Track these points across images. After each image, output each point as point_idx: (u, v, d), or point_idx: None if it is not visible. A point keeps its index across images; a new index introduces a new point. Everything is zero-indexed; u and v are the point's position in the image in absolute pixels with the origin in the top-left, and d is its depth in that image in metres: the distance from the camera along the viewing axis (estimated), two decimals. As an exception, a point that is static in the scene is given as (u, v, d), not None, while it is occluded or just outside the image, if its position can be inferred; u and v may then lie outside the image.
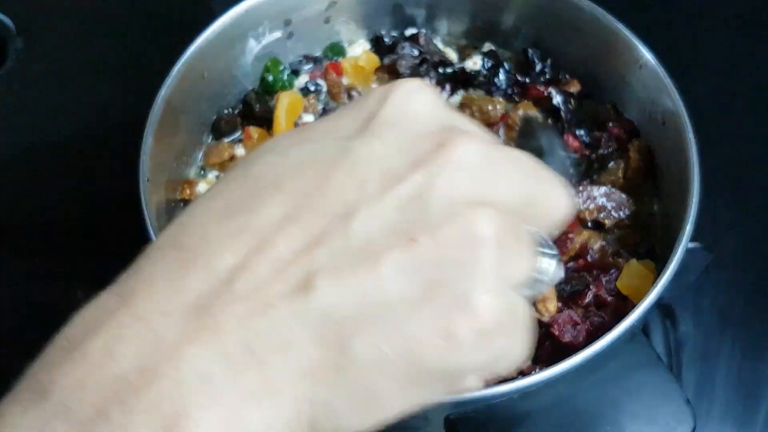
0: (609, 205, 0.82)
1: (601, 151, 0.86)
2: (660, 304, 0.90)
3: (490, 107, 0.89)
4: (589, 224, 0.83)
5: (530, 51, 0.93)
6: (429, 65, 0.94)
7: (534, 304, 0.70)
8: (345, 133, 0.39)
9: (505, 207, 0.37)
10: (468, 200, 0.36)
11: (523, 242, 0.38)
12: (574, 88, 0.90)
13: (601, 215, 0.82)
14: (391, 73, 0.95)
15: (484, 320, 0.35)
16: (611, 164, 0.86)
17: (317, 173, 0.37)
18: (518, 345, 0.37)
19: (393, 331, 0.34)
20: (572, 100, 0.89)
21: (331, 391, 0.34)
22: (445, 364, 0.35)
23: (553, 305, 0.70)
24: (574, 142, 0.87)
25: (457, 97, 0.94)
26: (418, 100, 0.40)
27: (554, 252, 0.40)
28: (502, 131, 0.90)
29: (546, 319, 0.70)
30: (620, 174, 0.85)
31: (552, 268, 0.40)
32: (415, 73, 0.93)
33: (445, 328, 0.34)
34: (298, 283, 0.34)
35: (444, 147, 0.37)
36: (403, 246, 0.34)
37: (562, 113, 0.88)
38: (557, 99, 0.89)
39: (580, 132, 0.87)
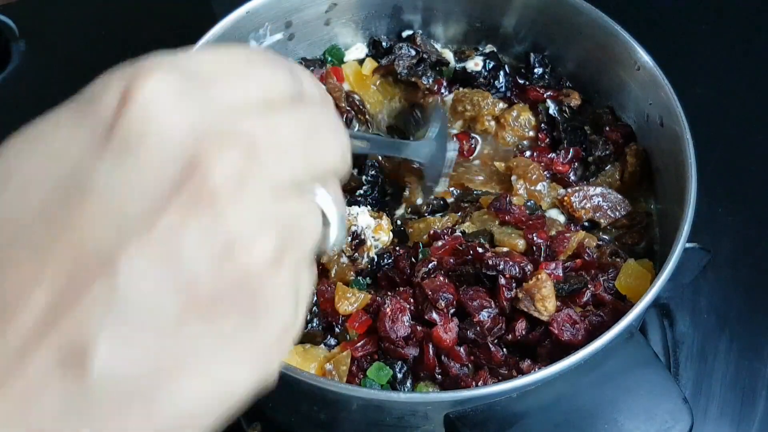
0: (605, 205, 0.83)
1: (597, 154, 0.87)
2: (658, 304, 0.91)
3: (481, 100, 0.90)
4: (586, 223, 0.83)
5: (532, 56, 0.93)
6: (426, 65, 0.95)
7: (533, 303, 0.71)
8: (82, 154, 0.32)
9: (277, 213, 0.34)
10: (244, 222, 0.32)
11: (299, 250, 0.35)
12: (575, 101, 0.91)
13: (597, 215, 0.83)
14: (389, 73, 0.96)
15: (283, 326, 0.34)
16: (608, 167, 0.87)
17: (63, 215, 0.31)
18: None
19: (200, 376, 0.32)
20: (567, 110, 0.89)
21: None
22: (256, 381, 0.35)
23: (552, 304, 0.71)
24: (563, 167, 0.88)
25: (452, 96, 0.95)
26: (166, 104, 0.33)
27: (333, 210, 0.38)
28: (493, 126, 0.91)
29: (545, 317, 0.71)
30: (617, 177, 0.86)
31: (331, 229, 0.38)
32: (412, 72, 0.94)
33: (250, 355, 0.33)
34: (72, 350, 0.29)
35: (197, 170, 0.31)
36: (183, 289, 0.31)
37: (558, 123, 0.89)
38: (553, 109, 0.90)
39: (573, 146, 0.88)
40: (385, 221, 0.83)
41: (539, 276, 0.72)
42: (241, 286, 0.32)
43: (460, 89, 0.94)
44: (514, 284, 0.73)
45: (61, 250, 0.30)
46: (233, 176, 0.32)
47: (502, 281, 0.73)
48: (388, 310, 0.73)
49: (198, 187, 0.31)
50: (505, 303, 0.73)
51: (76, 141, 0.33)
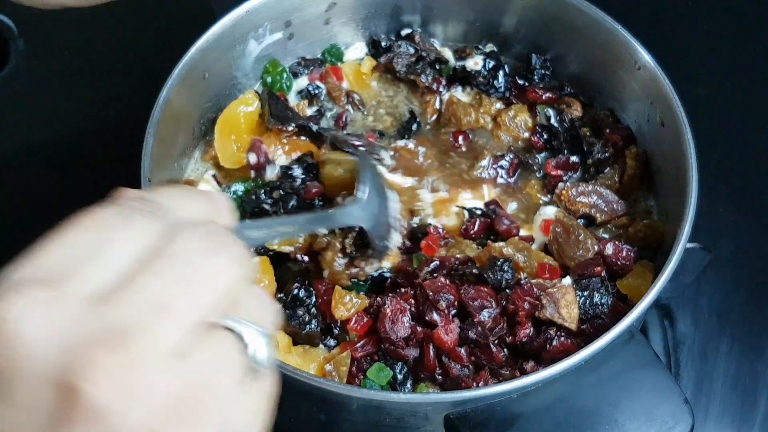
0: (600, 202, 0.83)
1: (597, 156, 0.86)
2: (659, 304, 0.91)
3: (468, 118, 0.90)
4: (581, 220, 0.83)
5: (534, 56, 0.93)
6: (425, 63, 0.95)
7: (558, 309, 0.71)
8: None
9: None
10: (133, 428, 0.32)
11: (210, 408, 0.35)
12: (576, 112, 0.91)
13: (592, 210, 0.83)
14: (388, 71, 0.96)
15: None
16: (607, 170, 0.87)
17: None
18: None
19: None
20: (567, 120, 0.89)
21: None
22: None
23: (576, 311, 0.71)
24: (554, 171, 0.88)
25: (452, 94, 0.94)
26: (31, 330, 0.32)
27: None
28: (490, 124, 0.91)
29: (572, 326, 0.71)
30: (615, 179, 0.86)
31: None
32: (411, 70, 0.93)
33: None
34: None
35: (72, 393, 0.31)
36: None
37: (559, 133, 0.89)
38: (554, 118, 0.90)
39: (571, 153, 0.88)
40: None
41: (562, 282, 0.72)
42: None
43: (466, 89, 0.94)
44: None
45: None
46: (111, 383, 0.31)
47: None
48: (388, 310, 0.72)
49: (77, 412, 0.31)
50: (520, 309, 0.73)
51: None
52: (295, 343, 0.74)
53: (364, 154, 0.82)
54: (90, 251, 0.35)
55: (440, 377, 0.72)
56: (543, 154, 0.90)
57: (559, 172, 0.87)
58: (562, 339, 0.70)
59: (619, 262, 0.77)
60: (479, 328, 0.71)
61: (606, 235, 0.83)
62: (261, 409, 0.38)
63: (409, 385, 0.72)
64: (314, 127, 0.86)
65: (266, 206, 0.81)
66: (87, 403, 0.31)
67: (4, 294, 0.33)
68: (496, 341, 0.72)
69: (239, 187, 0.85)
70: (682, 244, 0.68)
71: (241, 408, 0.36)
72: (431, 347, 0.71)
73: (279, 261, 0.79)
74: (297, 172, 0.83)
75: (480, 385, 0.69)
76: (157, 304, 0.34)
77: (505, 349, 0.72)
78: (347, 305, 0.74)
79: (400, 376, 0.72)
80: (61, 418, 0.31)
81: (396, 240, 0.80)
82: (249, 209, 0.81)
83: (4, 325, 0.32)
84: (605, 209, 0.83)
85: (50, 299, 0.33)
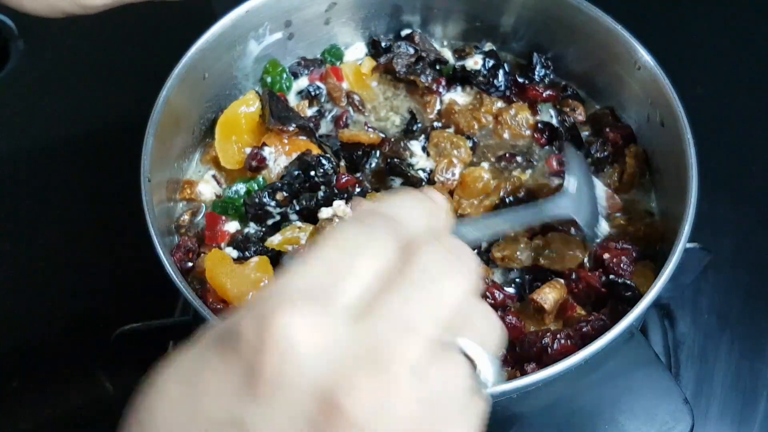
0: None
1: (597, 155, 0.86)
2: (658, 304, 0.91)
3: (467, 125, 0.90)
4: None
5: (535, 55, 0.93)
6: (425, 63, 0.95)
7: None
8: (231, 396, 0.36)
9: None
10: None
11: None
12: (581, 116, 0.91)
13: None
14: (387, 71, 0.96)
15: None
16: (607, 168, 0.87)
17: None
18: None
19: None
20: (567, 119, 0.89)
21: None
22: None
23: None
24: (556, 167, 0.88)
25: (451, 94, 0.94)
26: (297, 343, 0.35)
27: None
28: (491, 123, 0.91)
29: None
30: (615, 178, 0.86)
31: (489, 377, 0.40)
32: (411, 71, 0.93)
33: None
34: None
35: (332, 405, 0.34)
36: None
37: (561, 134, 0.89)
38: (555, 120, 0.90)
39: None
40: None
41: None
42: None
43: (465, 89, 0.94)
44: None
45: None
46: (369, 403, 0.34)
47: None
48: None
49: (336, 425, 0.34)
50: None
51: (225, 384, 0.36)
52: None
53: (569, 146, 0.83)
54: (344, 268, 0.38)
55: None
56: (546, 149, 0.90)
57: (560, 167, 0.87)
58: (563, 342, 0.70)
59: (618, 270, 0.77)
60: None
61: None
62: (476, 428, 0.40)
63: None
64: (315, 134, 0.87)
65: (269, 209, 0.81)
66: (346, 420, 0.34)
67: (280, 306, 0.36)
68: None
69: (241, 187, 0.85)
70: (682, 244, 0.68)
71: (461, 428, 0.38)
72: None
73: (279, 261, 0.79)
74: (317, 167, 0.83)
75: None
76: (402, 323, 0.36)
77: (504, 349, 0.72)
78: None
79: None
80: (319, 428, 0.34)
81: (604, 227, 0.80)
82: (252, 212, 0.81)
83: (281, 337, 0.35)
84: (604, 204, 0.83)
85: (319, 314, 0.36)
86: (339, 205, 0.80)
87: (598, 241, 0.79)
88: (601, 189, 0.82)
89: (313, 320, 0.36)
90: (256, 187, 0.84)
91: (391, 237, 0.39)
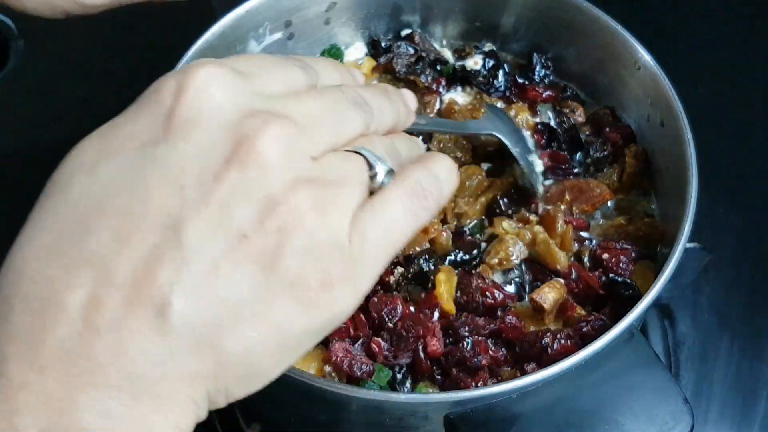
0: (579, 194, 0.84)
1: (597, 155, 0.86)
2: (658, 304, 0.91)
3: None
4: (564, 211, 0.83)
5: (535, 56, 0.93)
6: (425, 63, 0.95)
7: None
8: (146, 137, 0.38)
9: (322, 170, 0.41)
10: (283, 184, 0.38)
11: (342, 195, 0.41)
12: (580, 117, 0.91)
13: (573, 206, 0.83)
14: (387, 71, 0.96)
15: (328, 270, 0.39)
16: (607, 168, 0.87)
17: (134, 189, 0.37)
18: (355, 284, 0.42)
19: (257, 319, 0.37)
20: (567, 119, 0.89)
21: (218, 381, 0.38)
22: (311, 326, 0.39)
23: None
24: (547, 162, 0.88)
25: (452, 95, 0.94)
26: (216, 90, 0.39)
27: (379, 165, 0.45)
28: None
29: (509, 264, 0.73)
30: (615, 178, 0.86)
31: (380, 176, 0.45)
32: (411, 71, 0.93)
33: (302, 300, 0.38)
34: (155, 306, 0.35)
35: (246, 142, 0.38)
36: (237, 245, 0.37)
37: (559, 135, 0.89)
38: (553, 121, 0.90)
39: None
40: None
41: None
42: (282, 238, 0.37)
43: (465, 89, 0.94)
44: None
45: (136, 227, 0.36)
46: (277, 147, 0.38)
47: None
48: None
49: (244, 156, 0.37)
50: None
51: (140, 126, 0.39)
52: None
53: (492, 105, 0.89)
54: (261, 69, 0.43)
55: (439, 377, 0.72)
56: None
57: (552, 162, 0.87)
58: (563, 342, 0.70)
59: (618, 270, 0.77)
60: (458, 354, 0.71)
61: (596, 240, 0.82)
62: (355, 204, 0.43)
63: (408, 385, 0.72)
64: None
65: None
66: (255, 153, 0.38)
67: (202, 64, 0.40)
68: (493, 340, 0.72)
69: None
70: (682, 244, 0.68)
71: (349, 199, 0.42)
72: (420, 351, 0.71)
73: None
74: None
75: (480, 385, 0.69)
76: (315, 117, 0.42)
77: (504, 349, 0.72)
78: None
79: (399, 376, 0.71)
80: (229, 159, 0.37)
81: (538, 163, 0.85)
82: None
83: (193, 82, 0.39)
84: (583, 199, 0.83)
85: (234, 79, 0.40)
86: None
87: (538, 179, 0.83)
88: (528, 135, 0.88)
89: (231, 80, 0.40)
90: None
91: (308, 75, 0.46)
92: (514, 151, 0.81)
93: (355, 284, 0.41)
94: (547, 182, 0.87)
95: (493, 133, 0.81)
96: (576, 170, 0.87)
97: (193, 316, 0.36)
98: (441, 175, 0.47)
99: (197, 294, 0.36)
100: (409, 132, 0.56)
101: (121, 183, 0.37)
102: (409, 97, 0.55)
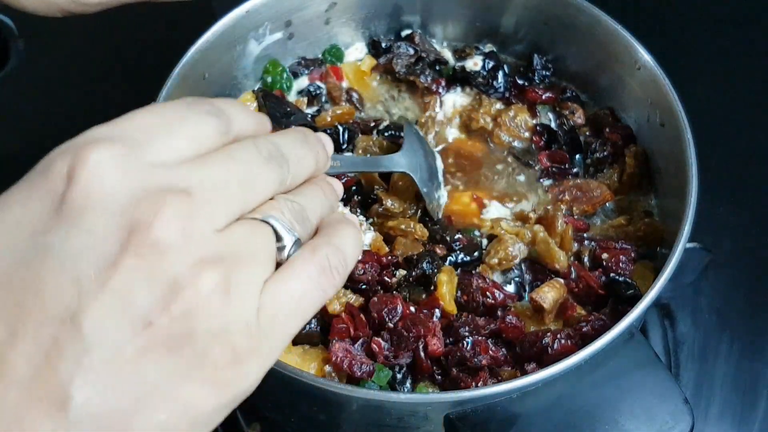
0: (579, 195, 0.84)
1: (597, 155, 0.86)
2: (658, 304, 0.91)
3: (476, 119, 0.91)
4: (564, 211, 0.83)
5: (536, 57, 0.93)
6: (424, 64, 0.95)
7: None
8: (38, 224, 0.37)
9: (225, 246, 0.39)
10: (186, 266, 0.37)
11: (249, 273, 0.40)
12: (580, 119, 0.91)
13: (573, 206, 0.84)
14: (387, 72, 0.96)
15: (236, 349, 0.38)
16: (607, 168, 0.87)
17: (27, 282, 0.35)
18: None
19: (167, 403, 0.36)
20: (567, 121, 0.89)
21: None
22: (221, 402, 0.39)
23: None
24: (546, 163, 0.88)
25: (452, 95, 0.94)
26: (107, 173, 0.37)
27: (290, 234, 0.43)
28: (490, 125, 0.91)
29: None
30: (615, 178, 0.86)
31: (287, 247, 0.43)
32: (411, 71, 0.93)
33: (211, 380, 0.38)
34: (56, 400, 0.34)
35: (140, 228, 0.36)
36: (141, 331, 0.35)
37: (559, 137, 0.89)
38: (554, 123, 0.90)
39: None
40: (363, 224, 0.82)
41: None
42: (188, 321, 0.36)
43: (465, 89, 0.94)
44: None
45: (31, 319, 0.35)
46: (174, 228, 0.37)
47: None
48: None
49: (141, 242, 0.36)
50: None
51: (30, 212, 0.37)
52: (294, 343, 0.74)
53: (409, 123, 0.89)
54: (160, 131, 0.40)
55: (439, 377, 0.72)
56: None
57: (550, 162, 0.87)
58: (563, 341, 0.70)
59: (617, 269, 0.77)
60: (458, 354, 0.71)
61: (590, 243, 0.82)
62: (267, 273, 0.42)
63: (408, 385, 0.72)
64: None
65: None
66: (152, 237, 0.36)
67: (87, 144, 0.38)
68: (493, 340, 0.72)
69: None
70: (682, 244, 0.68)
71: (257, 270, 0.41)
72: (420, 350, 0.71)
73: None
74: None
75: (480, 385, 0.69)
76: (220, 185, 0.40)
77: (504, 348, 0.72)
78: (341, 299, 0.74)
79: (399, 376, 0.71)
80: (125, 247, 0.36)
81: (443, 195, 0.86)
82: None
83: (84, 166, 0.37)
84: (583, 200, 0.83)
85: (126, 155, 0.38)
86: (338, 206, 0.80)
87: (436, 203, 0.84)
88: (439, 161, 0.88)
89: (119, 158, 0.38)
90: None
91: (219, 123, 0.43)
92: (423, 191, 0.81)
93: (263, 358, 0.40)
94: (547, 182, 0.87)
95: (406, 171, 0.80)
96: (575, 170, 0.87)
97: (99, 405, 0.35)
98: (347, 250, 0.46)
99: (102, 383, 0.35)
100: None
101: (13, 276, 0.36)
102: (326, 141, 0.53)
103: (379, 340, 0.71)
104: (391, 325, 0.72)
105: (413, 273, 0.76)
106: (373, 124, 0.90)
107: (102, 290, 0.35)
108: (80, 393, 0.34)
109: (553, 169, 0.87)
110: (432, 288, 0.76)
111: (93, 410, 0.35)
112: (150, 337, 0.36)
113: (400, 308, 0.73)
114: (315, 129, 0.87)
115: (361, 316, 0.73)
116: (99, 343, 0.35)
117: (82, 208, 0.36)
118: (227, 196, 0.40)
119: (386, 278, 0.76)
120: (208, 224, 0.38)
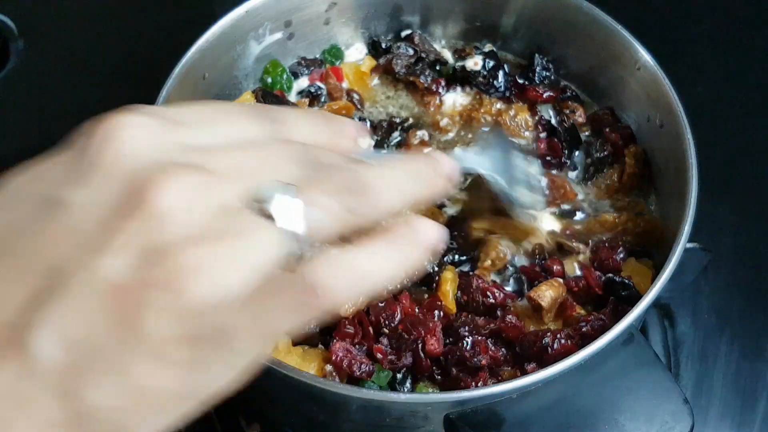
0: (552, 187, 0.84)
1: (597, 155, 0.86)
2: (658, 304, 0.91)
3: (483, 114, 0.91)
4: (558, 212, 0.84)
5: (537, 57, 0.93)
6: (424, 64, 0.95)
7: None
8: (57, 179, 0.38)
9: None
10: (174, 237, 0.36)
11: (243, 236, 0.38)
12: (580, 117, 0.91)
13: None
14: (387, 72, 0.96)
15: (200, 326, 0.36)
16: (606, 168, 0.87)
17: (25, 231, 0.37)
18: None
19: (117, 375, 0.35)
20: (566, 118, 0.89)
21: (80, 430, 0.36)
22: (181, 390, 0.37)
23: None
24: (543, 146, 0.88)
25: (452, 95, 0.94)
26: (127, 137, 0.38)
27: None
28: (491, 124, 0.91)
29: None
30: (615, 178, 0.86)
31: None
32: (410, 71, 0.93)
33: (166, 363, 0.36)
34: (23, 347, 0.34)
35: (140, 191, 0.36)
36: (103, 292, 0.35)
37: (559, 134, 0.89)
38: (554, 120, 0.90)
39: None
40: None
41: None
42: (154, 293, 0.35)
43: (466, 89, 0.94)
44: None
45: (22, 262, 0.36)
46: (173, 198, 0.36)
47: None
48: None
49: (136, 206, 0.36)
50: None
51: (55, 166, 0.39)
52: (294, 343, 0.74)
53: (498, 129, 0.86)
54: (204, 119, 0.41)
55: (439, 377, 0.72)
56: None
57: (548, 151, 0.87)
58: (563, 341, 0.70)
59: (610, 263, 0.77)
60: (458, 354, 0.71)
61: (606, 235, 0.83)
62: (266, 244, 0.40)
63: (408, 385, 0.72)
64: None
65: None
66: (146, 203, 0.36)
67: (121, 110, 0.39)
68: (493, 340, 0.72)
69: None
70: (682, 244, 0.68)
71: (255, 243, 0.39)
72: (420, 350, 0.71)
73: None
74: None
75: (479, 385, 0.69)
76: (238, 168, 0.39)
77: (503, 348, 0.72)
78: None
79: (399, 376, 0.72)
80: (120, 207, 0.36)
81: (527, 196, 0.79)
82: None
83: (109, 126, 0.38)
84: (554, 193, 0.84)
85: (158, 127, 0.39)
86: None
87: (520, 210, 0.79)
88: (523, 161, 0.83)
89: (150, 127, 0.39)
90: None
91: (263, 122, 0.43)
92: (495, 189, 0.74)
93: (232, 358, 0.38)
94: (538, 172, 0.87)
95: (477, 168, 0.73)
96: (568, 164, 0.88)
97: (56, 360, 0.35)
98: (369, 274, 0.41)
99: (60, 336, 0.35)
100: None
101: (16, 225, 0.37)
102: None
103: (380, 346, 0.71)
104: (386, 331, 0.72)
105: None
106: (397, 122, 0.91)
107: (86, 246, 0.36)
108: (43, 343, 0.35)
109: (548, 158, 0.87)
110: (434, 287, 0.76)
111: (50, 364, 0.35)
112: (110, 300, 0.35)
113: (398, 315, 0.73)
114: None
115: (369, 328, 0.73)
116: (67, 297, 0.35)
117: (93, 166, 0.38)
118: (245, 180, 0.39)
119: None
120: (213, 201, 0.38)
